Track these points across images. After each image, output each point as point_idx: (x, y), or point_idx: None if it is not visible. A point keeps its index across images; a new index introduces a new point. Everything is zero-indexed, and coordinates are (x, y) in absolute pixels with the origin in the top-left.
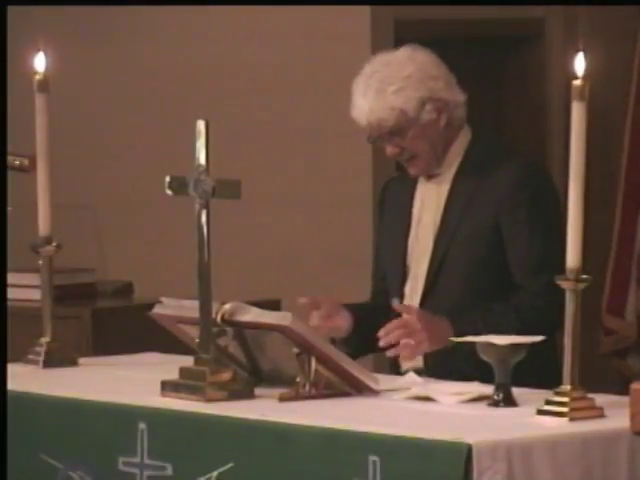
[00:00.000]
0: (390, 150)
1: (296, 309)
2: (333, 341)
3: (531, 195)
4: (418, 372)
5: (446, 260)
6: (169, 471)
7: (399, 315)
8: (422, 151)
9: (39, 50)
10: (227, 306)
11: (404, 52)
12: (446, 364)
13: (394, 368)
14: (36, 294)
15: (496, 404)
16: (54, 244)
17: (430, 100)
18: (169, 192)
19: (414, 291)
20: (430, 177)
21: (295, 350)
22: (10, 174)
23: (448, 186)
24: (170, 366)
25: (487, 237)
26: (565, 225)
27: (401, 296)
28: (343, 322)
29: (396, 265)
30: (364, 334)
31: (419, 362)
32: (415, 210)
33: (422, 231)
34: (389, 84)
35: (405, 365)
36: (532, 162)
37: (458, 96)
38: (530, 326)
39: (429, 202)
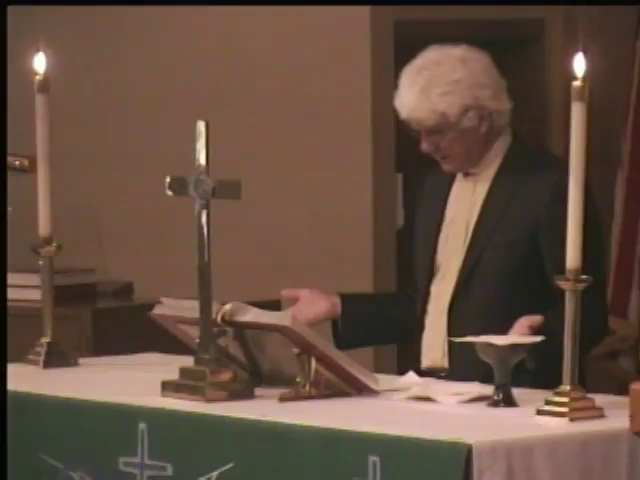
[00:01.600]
0: (425, 147)
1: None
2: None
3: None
4: (437, 371)
5: (480, 262)
6: (169, 471)
7: (412, 309)
8: (456, 154)
9: (39, 50)
10: (227, 306)
11: (458, 52)
12: (471, 364)
13: (414, 364)
14: (36, 294)
15: (496, 404)
16: (54, 244)
17: (474, 108)
18: (169, 192)
19: (443, 290)
20: (467, 174)
21: (295, 350)
22: (10, 174)
23: (485, 188)
24: (170, 366)
25: (523, 244)
26: (603, 235)
27: (427, 294)
28: (319, 309)
29: (425, 263)
30: (358, 323)
31: (444, 362)
32: (448, 209)
33: (453, 231)
34: (436, 86)
35: (425, 362)
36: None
37: (504, 105)
38: (588, 332)
39: (463, 201)
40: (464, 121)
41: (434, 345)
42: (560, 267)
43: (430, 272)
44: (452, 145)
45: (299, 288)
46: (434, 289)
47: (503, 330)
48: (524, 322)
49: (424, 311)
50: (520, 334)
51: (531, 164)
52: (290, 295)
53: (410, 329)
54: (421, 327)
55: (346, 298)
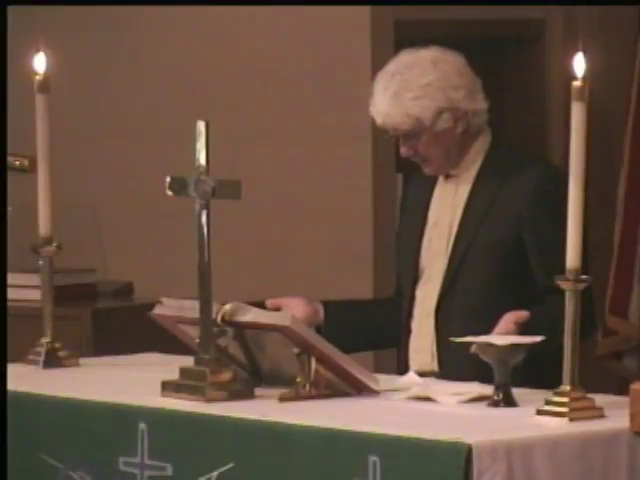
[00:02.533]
0: (404, 151)
1: None
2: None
3: (551, 202)
4: (426, 374)
5: (464, 264)
6: (169, 471)
7: (399, 314)
8: (434, 156)
9: (39, 50)
10: (227, 306)
11: (429, 55)
12: (461, 366)
13: (404, 369)
14: (36, 294)
15: (496, 404)
16: (54, 244)
17: (448, 110)
18: (169, 192)
19: (428, 293)
20: (448, 177)
21: (295, 350)
22: (10, 174)
23: (467, 189)
24: (170, 366)
25: (507, 243)
26: (588, 233)
27: (412, 298)
28: (301, 316)
29: (409, 266)
30: (340, 329)
31: (433, 365)
32: (431, 211)
33: (437, 234)
34: (408, 90)
35: (414, 366)
36: (550, 168)
37: (479, 105)
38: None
39: (445, 204)
40: (439, 123)
41: (422, 348)
42: (545, 264)
43: (415, 275)
44: (429, 148)
45: (281, 297)
46: (419, 292)
47: (490, 329)
48: (510, 317)
49: (410, 315)
50: (505, 330)
51: (511, 164)
52: (274, 305)
53: (395, 335)
54: (407, 331)
55: (328, 305)
